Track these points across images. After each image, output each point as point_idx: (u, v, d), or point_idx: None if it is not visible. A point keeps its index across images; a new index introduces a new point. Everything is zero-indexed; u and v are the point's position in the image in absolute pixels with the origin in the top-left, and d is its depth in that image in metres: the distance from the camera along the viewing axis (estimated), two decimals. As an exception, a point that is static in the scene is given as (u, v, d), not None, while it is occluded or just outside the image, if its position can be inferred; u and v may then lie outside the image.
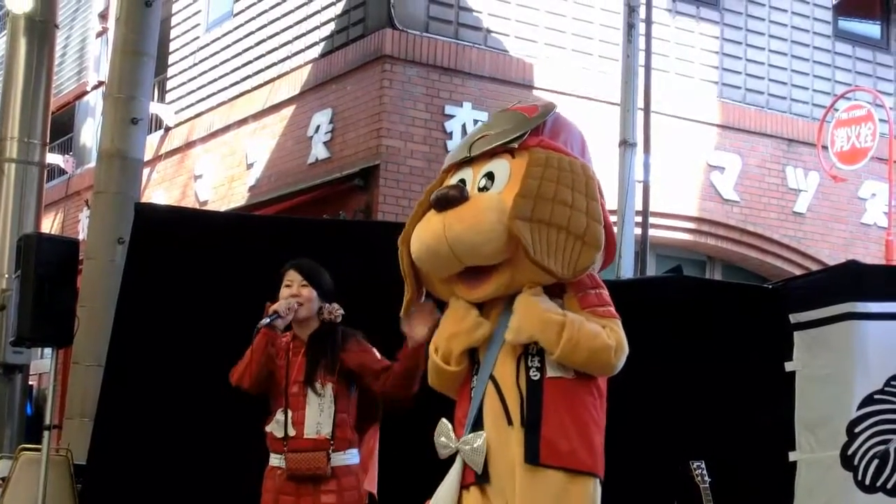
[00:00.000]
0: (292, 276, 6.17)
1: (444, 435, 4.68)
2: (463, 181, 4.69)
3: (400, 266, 4.86)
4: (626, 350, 4.60)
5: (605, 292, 4.69)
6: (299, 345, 6.16)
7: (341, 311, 6.17)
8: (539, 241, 4.39)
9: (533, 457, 4.47)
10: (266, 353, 6.07)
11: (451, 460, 4.70)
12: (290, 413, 6.04)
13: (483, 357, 4.65)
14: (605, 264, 4.90)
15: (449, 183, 4.74)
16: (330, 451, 5.97)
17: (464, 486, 4.62)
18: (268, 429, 6.14)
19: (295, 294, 6.11)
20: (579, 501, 4.54)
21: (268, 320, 6.03)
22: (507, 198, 4.50)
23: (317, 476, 5.97)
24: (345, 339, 6.11)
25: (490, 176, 4.63)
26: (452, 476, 4.65)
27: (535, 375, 4.54)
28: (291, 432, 6.02)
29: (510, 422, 4.52)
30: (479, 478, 4.55)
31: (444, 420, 4.72)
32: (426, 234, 4.58)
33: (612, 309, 4.66)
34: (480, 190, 4.61)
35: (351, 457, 6.07)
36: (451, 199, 4.52)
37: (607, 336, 4.52)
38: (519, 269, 4.49)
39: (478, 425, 4.59)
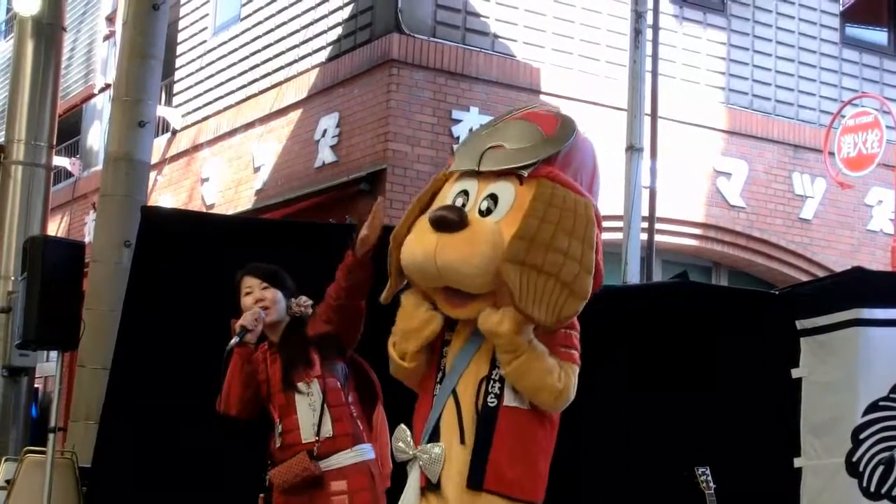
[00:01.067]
0: (250, 283, 5.97)
1: (402, 441, 4.67)
2: (466, 193, 4.64)
3: (388, 261, 4.83)
4: (570, 398, 4.55)
5: (576, 334, 4.64)
6: (274, 351, 5.94)
7: (310, 302, 5.96)
8: (526, 288, 4.35)
9: (476, 482, 4.47)
10: (244, 374, 5.84)
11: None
12: (282, 423, 5.81)
13: (449, 367, 4.63)
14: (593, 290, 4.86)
15: (452, 191, 4.70)
16: (313, 451, 5.67)
17: (422, 488, 4.64)
18: (271, 447, 5.91)
19: (259, 299, 5.92)
20: None
21: (237, 339, 5.81)
22: (505, 230, 4.45)
23: (309, 481, 5.69)
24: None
25: (494, 198, 4.58)
26: (412, 483, 4.64)
27: (493, 402, 4.52)
28: (288, 441, 5.77)
29: (462, 440, 4.52)
30: (431, 486, 4.55)
31: (402, 426, 4.71)
32: (418, 250, 4.55)
33: (576, 354, 4.62)
34: (481, 212, 4.57)
35: (359, 453, 5.79)
36: (450, 223, 4.48)
37: (558, 378, 4.48)
38: (501, 300, 4.48)
39: (435, 436, 4.58)
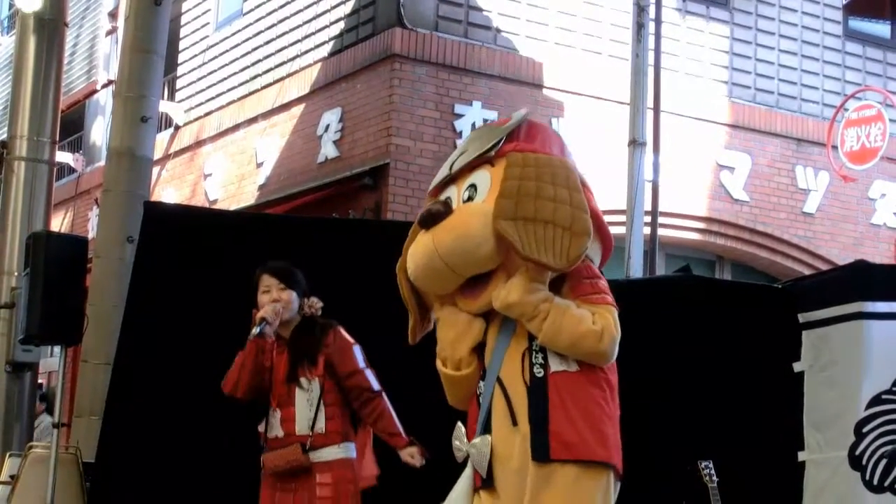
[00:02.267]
0: (268, 282, 6.24)
1: (459, 438, 4.68)
2: (449, 199, 4.70)
3: (401, 295, 4.85)
4: (616, 335, 4.54)
5: (602, 281, 4.65)
6: (282, 344, 6.23)
7: (320, 304, 6.27)
8: (527, 237, 4.38)
9: (542, 454, 4.44)
10: (257, 363, 6.14)
11: (465, 463, 4.71)
12: (279, 412, 6.12)
13: (489, 362, 4.64)
14: (605, 257, 4.88)
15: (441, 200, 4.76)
16: (307, 444, 6.02)
17: (475, 489, 4.63)
18: (260, 428, 6.22)
19: (276, 299, 6.18)
20: (592, 492, 4.48)
21: (258, 329, 6.11)
22: (491, 203, 4.50)
23: (297, 469, 6.03)
24: (323, 333, 6.18)
25: (473, 187, 4.64)
26: (465, 479, 4.65)
27: (539, 372, 4.50)
28: (280, 432, 6.10)
29: (514, 422, 4.50)
30: (484, 482, 4.55)
31: (459, 423, 4.72)
32: (418, 254, 4.58)
33: (608, 297, 4.62)
34: (465, 202, 4.61)
35: (345, 450, 6.11)
36: (436, 215, 4.53)
37: (593, 322, 4.47)
38: (514, 271, 4.49)
39: (487, 428, 4.58)
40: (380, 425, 6.06)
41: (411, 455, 5.98)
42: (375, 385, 6.13)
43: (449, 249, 4.48)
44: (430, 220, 4.54)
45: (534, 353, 4.52)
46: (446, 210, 4.56)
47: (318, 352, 6.11)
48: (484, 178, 4.63)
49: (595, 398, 4.55)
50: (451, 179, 4.77)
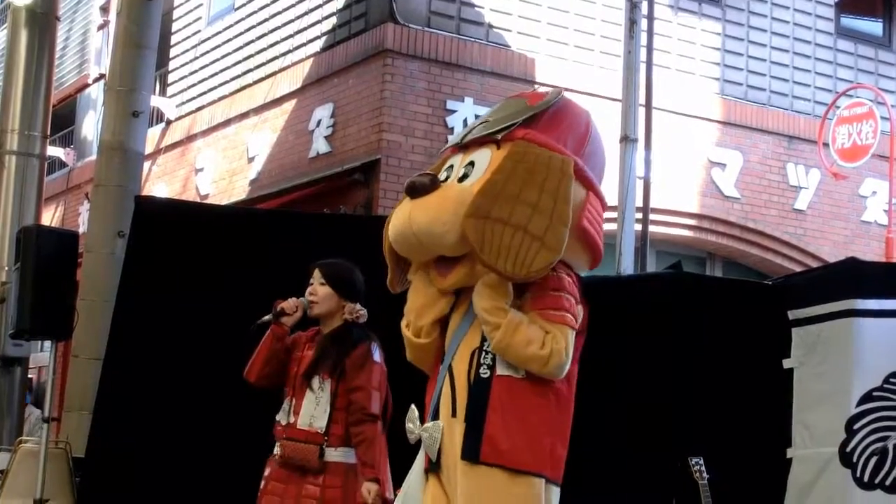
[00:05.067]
0: (315, 274, 6.25)
1: (412, 421, 4.69)
2: (451, 167, 4.68)
3: (383, 246, 4.84)
4: (564, 360, 4.41)
5: (567, 297, 4.51)
6: (318, 341, 6.25)
7: (364, 312, 6.23)
8: (490, 241, 4.32)
9: (472, 454, 4.42)
10: (271, 350, 6.17)
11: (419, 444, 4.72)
12: (293, 402, 6.14)
13: (447, 345, 4.64)
14: (591, 266, 4.83)
15: (442, 169, 4.74)
16: (323, 446, 6.02)
17: (425, 469, 4.64)
18: (277, 417, 6.21)
19: (312, 291, 6.21)
20: (520, 501, 4.43)
21: (268, 317, 6.16)
22: (475, 189, 4.47)
23: (306, 468, 6.04)
24: (355, 344, 6.14)
25: (472, 164, 4.61)
26: (417, 464, 4.67)
27: (485, 373, 4.47)
28: (292, 419, 6.11)
29: (454, 414, 4.50)
30: (432, 465, 4.56)
31: (413, 406, 4.72)
32: (397, 221, 4.58)
33: (567, 316, 4.48)
34: (461, 179, 4.59)
35: (344, 455, 6.08)
36: (419, 188, 4.51)
37: (541, 345, 4.38)
38: (479, 262, 4.46)
39: (436, 414, 4.59)
40: (360, 449, 6.01)
41: (368, 490, 5.90)
42: (374, 409, 6.06)
43: (420, 227, 4.47)
44: (413, 191, 4.52)
45: (483, 353, 4.50)
46: (431, 185, 4.52)
47: (342, 359, 6.09)
48: (483, 159, 4.58)
49: (537, 407, 4.49)
50: (464, 147, 4.74)
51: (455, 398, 4.52)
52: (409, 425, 4.68)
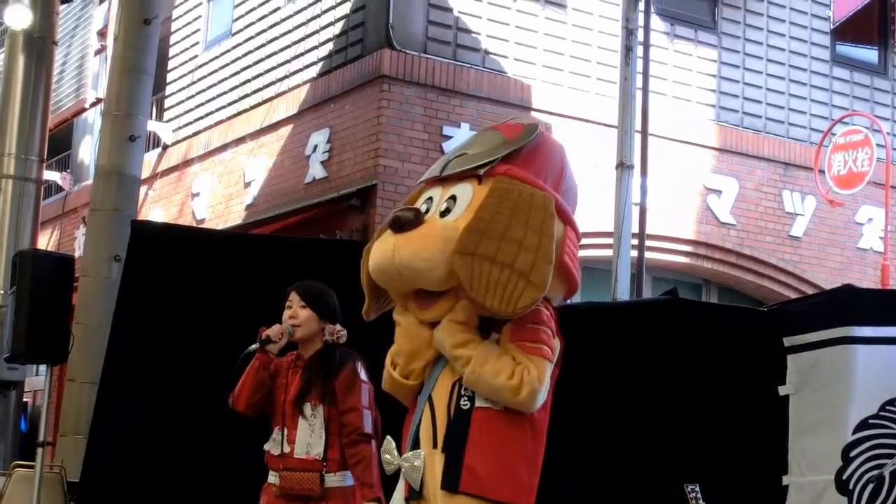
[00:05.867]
0: (292, 298, 6.21)
1: (389, 452, 4.69)
2: (431, 199, 4.69)
3: (360, 276, 4.85)
4: (538, 388, 4.41)
5: (545, 330, 4.53)
6: (301, 364, 6.22)
7: (344, 332, 6.21)
8: (479, 278, 4.34)
9: (451, 484, 4.42)
10: (258, 378, 6.14)
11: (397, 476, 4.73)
12: (285, 431, 6.10)
13: (426, 377, 4.65)
14: (567, 297, 4.85)
15: (420, 200, 4.74)
16: (323, 472, 6.02)
17: (406, 498, 4.64)
18: (266, 447, 6.17)
19: (292, 315, 6.17)
20: None
21: (255, 346, 6.11)
22: (461, 225, 4.48)
23: (308, 496, 6.03)
24: (340, 365, 6.14)
25: (453, 199, 4.61)
26: (398, 493, 4.67)
27: (465, 405, 4.48)
28: (286, 449, 6.07)
29: (435, 445, 4.52)
30: (413, 493, 4.56)
31: (388, 437, 4.73)
32: (378, 254, 4.59)
33: (544, 348, 4.49)
34: (442, 213, 4.59)
35: (342, 478, 6.08)
36: (404, 222, 4.51)
37: (510, 375, 4.38)
38: (464, 296, 4.47)
39: (415, 444, 4.59)
40: (357, 469, 6.01)
41: None
42: (368, 428, 6.06)
43: (404, 262, 4.47)
44: (398, 226, 4.52)
45: (462, 385, 4.52)
46: (415, 220, 4.52)
47: (331, 382, 6.08)
48: (466, 194, 4.59)
49: (515, 439, 4.51)
50: (442, 180, 4.76)
51: (436, 430, 4.53)
52: (385, 456, 4.69)
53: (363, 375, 6.16)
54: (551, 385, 4.60)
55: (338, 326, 6.22)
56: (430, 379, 4.63)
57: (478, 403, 4.49)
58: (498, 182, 4.55)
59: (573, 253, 4.65)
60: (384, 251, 4.56)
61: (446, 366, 4.58)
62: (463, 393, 4.50)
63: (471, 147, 4.78)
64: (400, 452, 4.65)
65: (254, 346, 6.11)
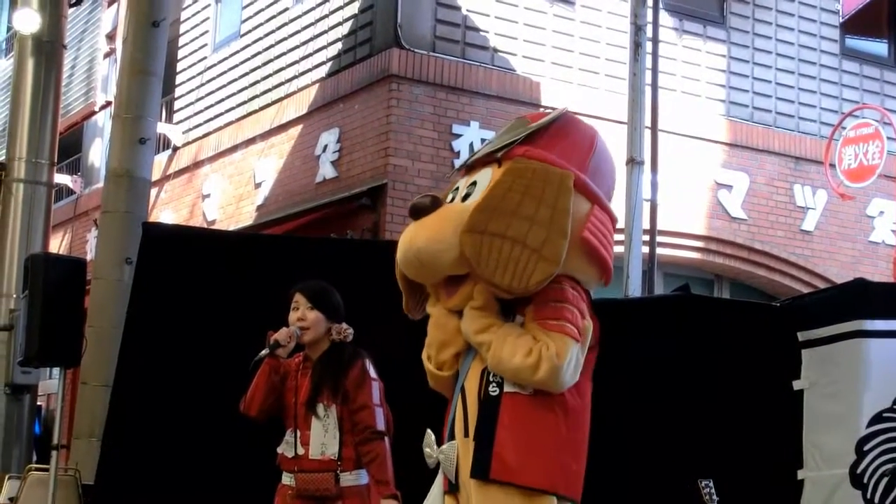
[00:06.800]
0: (298, 299, 6.20)
1: (429, 445, 4.67)
2: (457, 189, 4.69)
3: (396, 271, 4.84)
4: (560, 364, 4.31)
5: (570, 308, 4.44)
6: (309, 366, 6.21)
7: (351, 331, 6.20)
8: (487, 255, 4.31)
9: (481, 472, 4.38)
10: (270, 383, 6.14)
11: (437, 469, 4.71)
12: (298, 433, 6.10)
13: (460, 366, 4.63)
14: (603, 282, 4.77)
15: (450, 192, 4.74)
16: (338, 472, 6.03)
17: (444, 492, 4.62)
18: (279, 449, 6.19)
19: (301, 318, 6.16)
20: None
21: (266, 351, 6.09)
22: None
23: (324, 496, 6.04)
24: (349, 363, 6.14)
25: (475, 184, 4.61)
26: (437, 483, 4.65)
27: (494, 391, 4.44)
28: (301, 451, 6.08)
29: (467, 433, 4.49)
30: (451, 486, 4.54)
31: (429, 430, 4.70)
32: (402, 243, 4.59)
33: (568, 326, 4.40)
34: (464, 199, 4.59)
35: (357, 477, 6.09)
36: (420, 209, 4.52)
37: (527, 354, 4.32)
38: (480, 280, 4.45)
39: (451, 435, 4.58)
40: (372, 467, 6.02)
41: None
42: (380, 426, 6.07)
43: (421, 248, 4.46)
44: (415, 213, 4.53)
45: (490, 372, 4.50)
46: (432, 205, 4.52)
47: (341, 381, 6.07)
48: (485, 178, 4.57)
49: (546, 424, 4.43)
50: (468, 169, 4.73)
51: (467, 418, 4.50)
52: (426, 450, 4.66)
53: (373, 373, 6.16)
54: (587, 370, 4.55)
55: (344, 325, 6.21)
56: (463, 368, 4.60)
57: (506, 389, 4.44)
58: (515, 163, 4.54)
59: (600, 233, 4.60)
60: (404, 240, 4.56)
61: (477, 354, 4.54)
62: (492, 379, 4.47)
63: (499, 136, 4.76)
64: (440, 445, 4.64)
65: (264, 352, 6.09)
